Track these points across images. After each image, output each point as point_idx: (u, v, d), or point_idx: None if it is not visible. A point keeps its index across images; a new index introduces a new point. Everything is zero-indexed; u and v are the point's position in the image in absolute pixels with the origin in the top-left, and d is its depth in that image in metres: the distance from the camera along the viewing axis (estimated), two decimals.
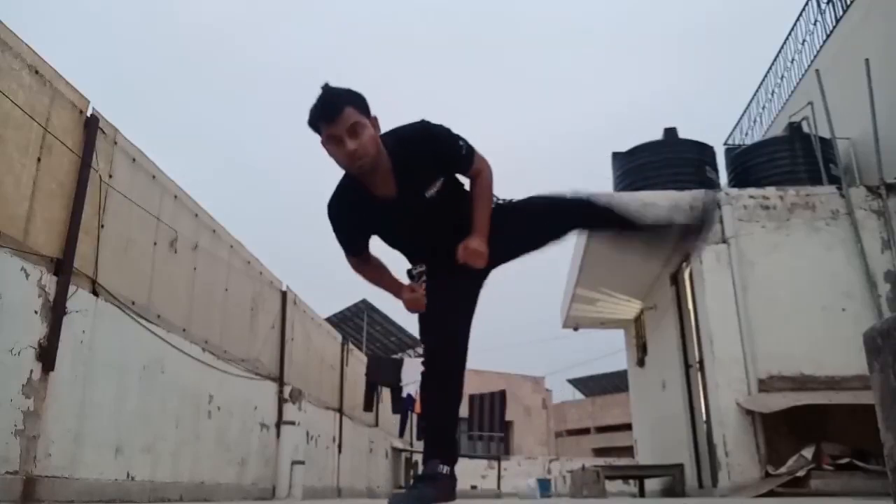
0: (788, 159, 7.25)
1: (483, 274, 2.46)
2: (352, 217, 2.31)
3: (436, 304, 2.38)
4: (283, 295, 7.77)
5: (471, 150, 2.30)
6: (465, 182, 2.43)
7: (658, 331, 8.64)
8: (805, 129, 7.48)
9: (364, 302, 18.96)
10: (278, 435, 7.11)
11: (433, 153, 2.22)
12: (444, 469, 2.29)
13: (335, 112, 2.03)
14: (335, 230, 2.34)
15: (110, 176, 4.32)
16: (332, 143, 2.08)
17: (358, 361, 11.57)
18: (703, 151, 7.54)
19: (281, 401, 7.28)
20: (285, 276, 7.87)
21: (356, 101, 2.09)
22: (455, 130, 2.30)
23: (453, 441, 2.43)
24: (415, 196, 2.25)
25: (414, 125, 2.25)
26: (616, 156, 7.83)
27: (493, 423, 13.50)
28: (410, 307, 2.38)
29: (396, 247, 2.47)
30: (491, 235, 2.30)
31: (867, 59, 6.89)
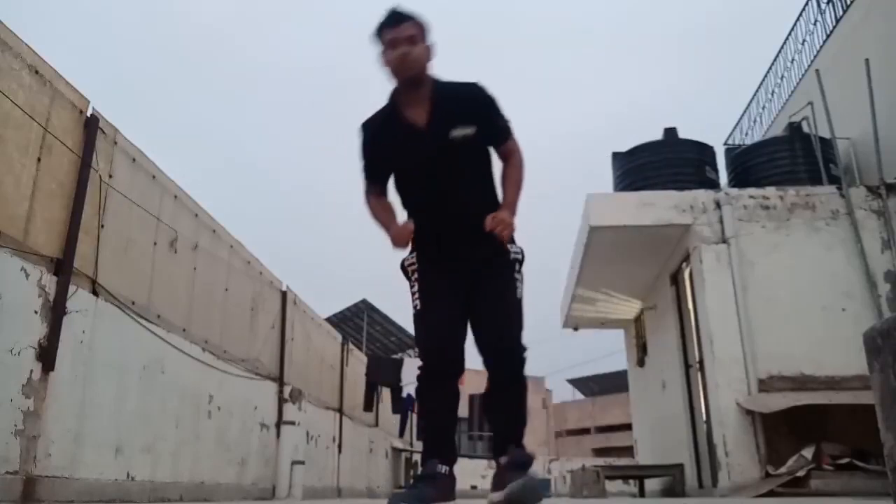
0: (788, 159, 7.24)
1: (475, 279, 2.41)
2: (378, 138, 2.43)
3: (434, 303, 2.38)
4: (283, 295, 7.77)
5: (510, 128, 2.44)
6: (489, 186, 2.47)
7: (658, 331, 8.63)
8: (805, 129, 7.47)
9: (364, 302, 18.97)
10: (278, 435, 7.11)
11: (476, 102, 2.38)
12: (444, 469, 2.29)
13: (400, 19, 2.33)
14: (361, 148, 2.46)
15: (110, 176, 4.32)
16: (391, 48, 2.31)
17: (358, 361, 11.57)
18: (703, 151, 7.53)
19: (281, 401, 7.28)
20: (285, 276, 7.89)
21: (418, 21, 2.35)
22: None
23: (452, 441, 2.42)
24: (440, 131, 2.32)
25: (470, 81, 2.43)
26: (616, 156, 7.83)
27: None
28: (397, 243, 2.35)
29: (409, 194, 2.47)
30: (493, 269, 2.37)
31: (867, 59, 6.89)
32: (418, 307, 2.40)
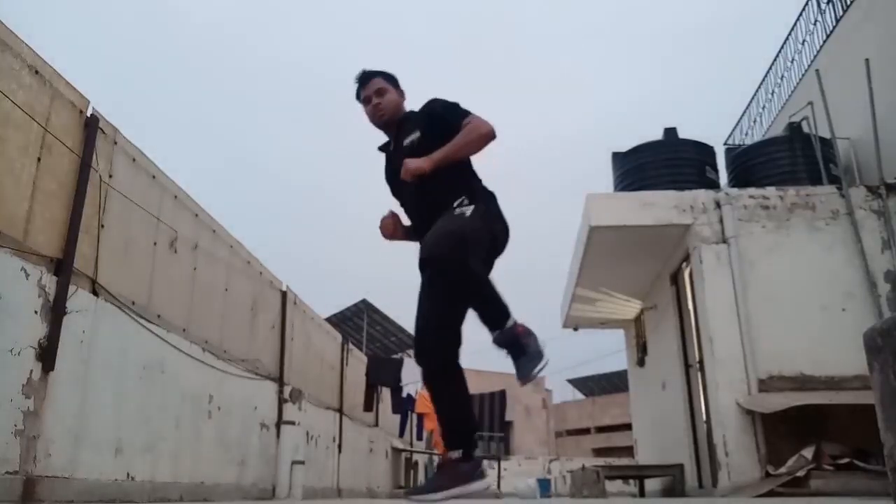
0: (788, 159, 7.25)
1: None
2: (386, 166, 2.75)
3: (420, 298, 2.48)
4: (283, 295, 7.76)
5: (461, 110, 2.56)
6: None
7: (658, 331, 8.63)
8: (805, 129, 7.47)
9: (364, 302, 18.97)
10: (278, 435, 7.10)
11: (423, 111, 2.65)
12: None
13: (366, 79, 2.73)
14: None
15: (110, 176, 4.32)
16: (366, 102, 2.71)
17: (358, 361, 11.56)
18: (703, 151, 7.53)
19: (281, 401, 7.28)
20: (285, 276, 7.88)
21: (384, 75, 2.75)
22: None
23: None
24: (398, 144, 2.65)
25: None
26: (616, 156, 7.82)
27: (493, 423, 13.48)
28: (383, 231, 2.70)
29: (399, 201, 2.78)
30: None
31: (867, 59, 6.89)
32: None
